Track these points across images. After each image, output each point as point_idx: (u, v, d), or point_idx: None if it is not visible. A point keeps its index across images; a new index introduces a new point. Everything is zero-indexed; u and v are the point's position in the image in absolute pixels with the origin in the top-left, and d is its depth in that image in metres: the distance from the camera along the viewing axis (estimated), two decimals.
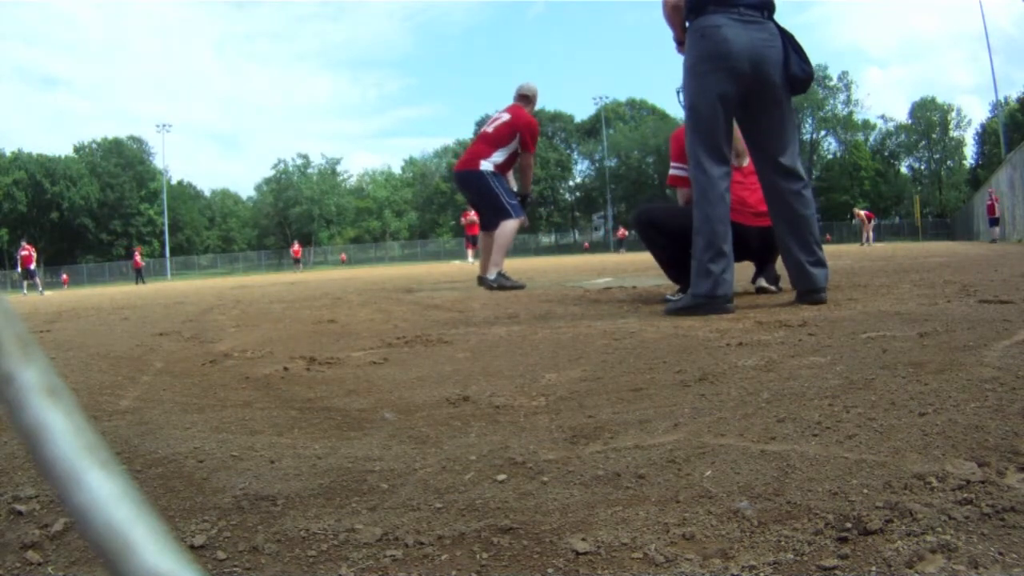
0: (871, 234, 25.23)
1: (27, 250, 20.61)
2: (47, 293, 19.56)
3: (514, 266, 13.05)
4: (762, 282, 3.66)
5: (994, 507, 0.72)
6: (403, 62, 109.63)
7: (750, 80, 2.75)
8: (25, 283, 20.72)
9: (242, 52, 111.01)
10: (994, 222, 21.11)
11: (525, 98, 5.71)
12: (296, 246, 37.60)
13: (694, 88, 2.80)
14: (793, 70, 2.79)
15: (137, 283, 27.71)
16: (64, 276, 42.47)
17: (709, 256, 2.72)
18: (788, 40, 2.81)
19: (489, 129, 5.58)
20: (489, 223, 5.59)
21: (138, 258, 31.43)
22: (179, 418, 1.44)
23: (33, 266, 20.80)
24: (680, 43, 2.97)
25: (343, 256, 52.16)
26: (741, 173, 3.42)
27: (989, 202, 21.34)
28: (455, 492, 0.91)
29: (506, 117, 5.57)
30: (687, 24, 2.86)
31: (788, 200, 2.84)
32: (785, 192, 2.84)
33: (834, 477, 0.85)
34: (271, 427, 1.32)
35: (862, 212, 26.77)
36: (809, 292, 2.82)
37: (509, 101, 5.77)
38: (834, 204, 52.51)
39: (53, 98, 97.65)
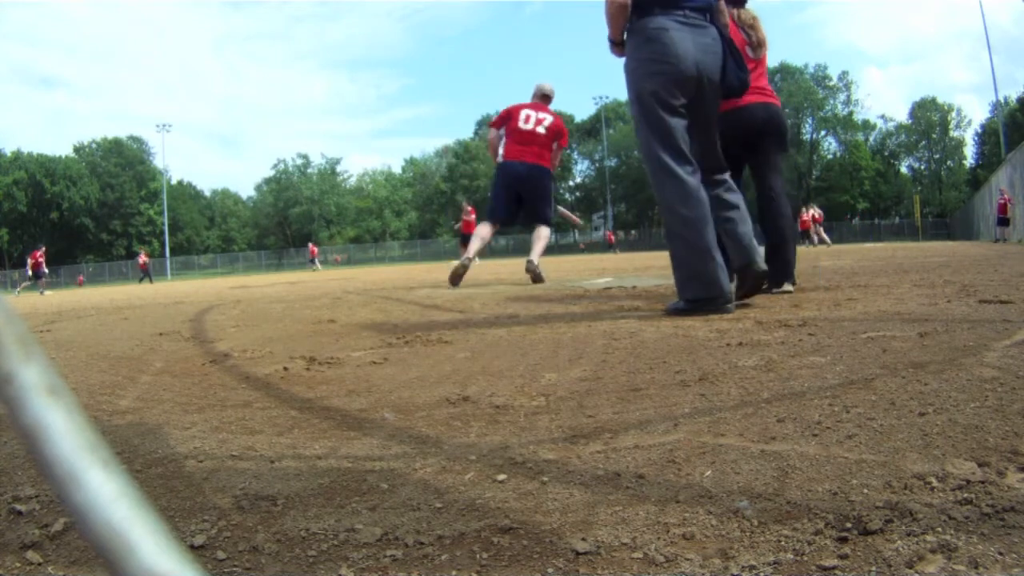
0: (821, 236, 24.01)
1: (40, 258, 21.36)
2: (47, 293, 19.59)
3: (515, 265, 13.03)
4: (788, 287, 3.48)
5: (994, 507, 0.72)
6: (402, 62, 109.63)
7: (694, 85, 2.75)
8: (28, 281, 20.99)
9: (241, 52, 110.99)
10: (1003, 221, 20.98)
11: (547, 97, 6.06)
12: (312, 247, 38.95)
13: (643, 91, 2.75)
14: (729, 78, 2.82)
15: (141, 282, 27.97)
16: (80, 277, 43.24)
17: (695, 259, 2.67)
18: (728, 45, 2.83)
19: (540, 130, 5.84)
20: (533, 218, 6.04)
21: (144, 258, 31.96)
22: (179, 418, 1.44)
23: (42, 269, 21.35)
24: (616, 43, 2.91)
25: (337, 258, 52.56)
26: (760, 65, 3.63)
27: (1001, 200, 21.18)
28: (455, 492, 0.91)
29: (549, 119, 5.90)
30: (631, 21, 2.81)
31: (712, 203, 2.84)
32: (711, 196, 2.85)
33: (834, 477, 0.85)
34: (271, 427, 1.32)
35: (812, 212, 25.17)
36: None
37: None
38: (834, 204, 52.47)
39: (53, 98, 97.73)
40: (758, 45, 3.65)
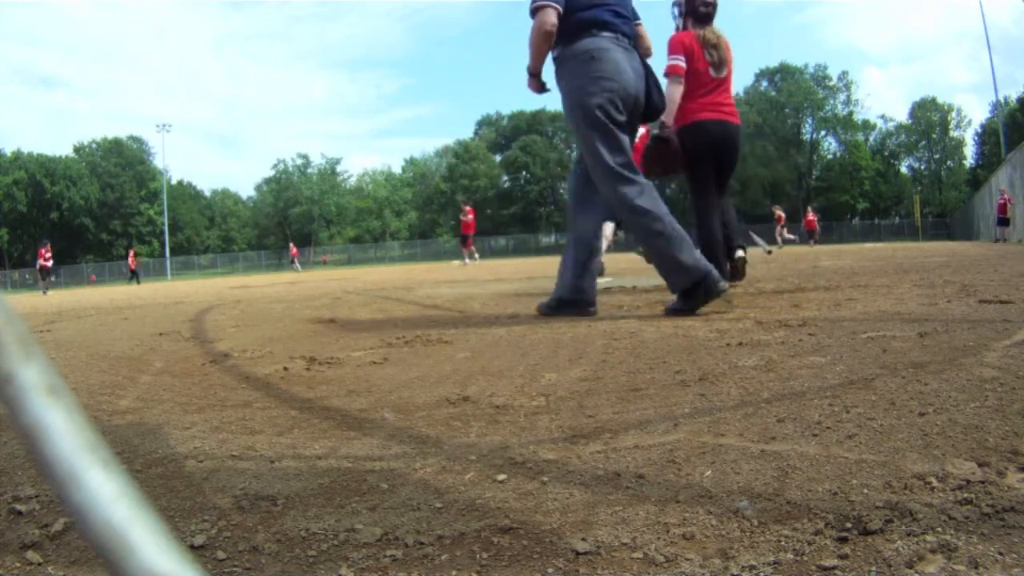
0: (785, 236, 23.22)
1: (47, 253, 21.33)
2: (49, 292, 19.60)
3: (515, 265, 13.03)
4: (740, 252, 3.87)
5: (994, 507, 0.72)
6: (402, 62, 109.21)
7: (632, 104, 2.84)
8: (43, 281, 20.94)
9: (241, 52, 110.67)
10: (1003, 221, 20.97)
11: None
12: (293, 248, 39.50)
13: (591, 106, 2.77)
14: (654, 101, 2.91)
15: (139, 283, 28.09)
16: (92, 276, 44.06)
17: (674, 249, 2.69)
18: (647, 69, 2.92)
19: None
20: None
21: (131, 259, 32.26)
22: (179, 418, 1.44)
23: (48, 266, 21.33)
24: (534, 74, 2.92)
25: (325, 258, 52.97)
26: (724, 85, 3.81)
27: (1001, 200, 21.16)
28: (455, 492, 0.91)
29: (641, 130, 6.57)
30: (562, 47, 2.85)
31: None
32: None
33: (834, 477, 0.85)
34: (271, 427, 1.32)
35: (779, 212, 24.60)
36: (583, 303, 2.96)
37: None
38: (834, 204, 52.43)
39: (53, 98, 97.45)
40: (720, 64, 3.75)
